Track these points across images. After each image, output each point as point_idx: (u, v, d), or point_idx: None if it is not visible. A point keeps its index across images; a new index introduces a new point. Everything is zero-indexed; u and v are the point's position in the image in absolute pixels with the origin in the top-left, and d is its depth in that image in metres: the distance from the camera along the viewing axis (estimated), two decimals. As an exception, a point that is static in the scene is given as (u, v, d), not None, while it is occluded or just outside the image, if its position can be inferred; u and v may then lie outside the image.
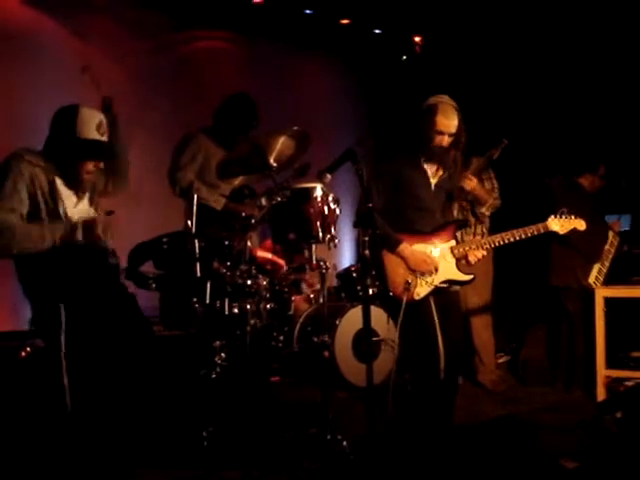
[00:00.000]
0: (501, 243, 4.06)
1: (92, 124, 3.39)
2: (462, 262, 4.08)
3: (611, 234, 5.74)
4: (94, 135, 3.40)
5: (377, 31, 7.95)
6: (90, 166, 3.47)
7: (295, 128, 4.07)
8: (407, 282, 3.92)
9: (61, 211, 3.45)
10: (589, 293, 5.47)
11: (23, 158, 3.37)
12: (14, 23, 6.17)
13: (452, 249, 4.05)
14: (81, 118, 3.39)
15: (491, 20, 6.92)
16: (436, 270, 3.98)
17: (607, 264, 5.66)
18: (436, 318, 3.96)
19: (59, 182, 3.46)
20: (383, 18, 7.59)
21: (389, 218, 4.00)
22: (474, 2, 6.74)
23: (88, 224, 3.45)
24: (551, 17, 6.61)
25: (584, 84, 6.65)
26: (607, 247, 5.69)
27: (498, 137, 5.12)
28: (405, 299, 3.87)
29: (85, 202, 3.63)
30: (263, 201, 4.06)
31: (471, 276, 4.09)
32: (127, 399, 3.43)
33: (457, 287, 4.15)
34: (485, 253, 4.09)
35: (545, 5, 6.52)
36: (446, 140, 3.98)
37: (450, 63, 7.49)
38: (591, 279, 5.59)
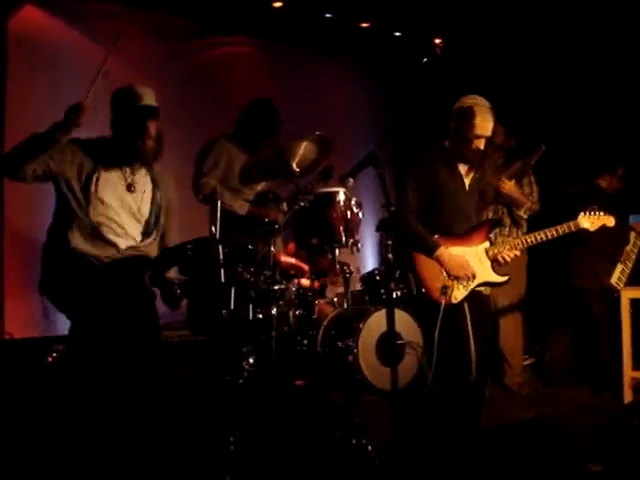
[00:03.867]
0: (534, 242, 4.02)
1: (148, 94, 3.65)
2: (496, 263, 4.03)
3: (633, 235, 5.69)
4: (152, 102, 3.65)
5: (397, 34, 7.94)
6: (152, 129, 3.63)
7: (317, 133, 4.08)
8: (444, 286, 3.88)
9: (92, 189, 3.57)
10: (612, 294, 5.45)
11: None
12: (35, 32, 6.27)
13: (487, 250, 4.01)
14: (138, 91, 3.64)
15: (511, 22, 6.89)
16: (474, 276, 3.95)
17: (630, 264, 5.63)
18: (469, 322, 3.92)
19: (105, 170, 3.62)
20: (403, 20, 7.58)
21: (424, 220, 3.98)
22: (494, 3, 6.73)
23: None
24: (567, 20, 6.58)
25: (604, 85, 6.61)
26: (629, 248, 5.65)
27: (536, 142, 5.12)
28: (444, 303, 3.84)
29: (143, 199, 3.73)
30: (286, 206, 4.08)
31: (506, 277, 4.05)
32: (141, 405, 3.44)
33: (488, 291, 4.13)
34: (519, 253, 4.04)
35: (562, 9, 6.50)
36: (483, 143, 3.97)
37: (470, 65, 7.47)
38: (613, 280, 5.55)
